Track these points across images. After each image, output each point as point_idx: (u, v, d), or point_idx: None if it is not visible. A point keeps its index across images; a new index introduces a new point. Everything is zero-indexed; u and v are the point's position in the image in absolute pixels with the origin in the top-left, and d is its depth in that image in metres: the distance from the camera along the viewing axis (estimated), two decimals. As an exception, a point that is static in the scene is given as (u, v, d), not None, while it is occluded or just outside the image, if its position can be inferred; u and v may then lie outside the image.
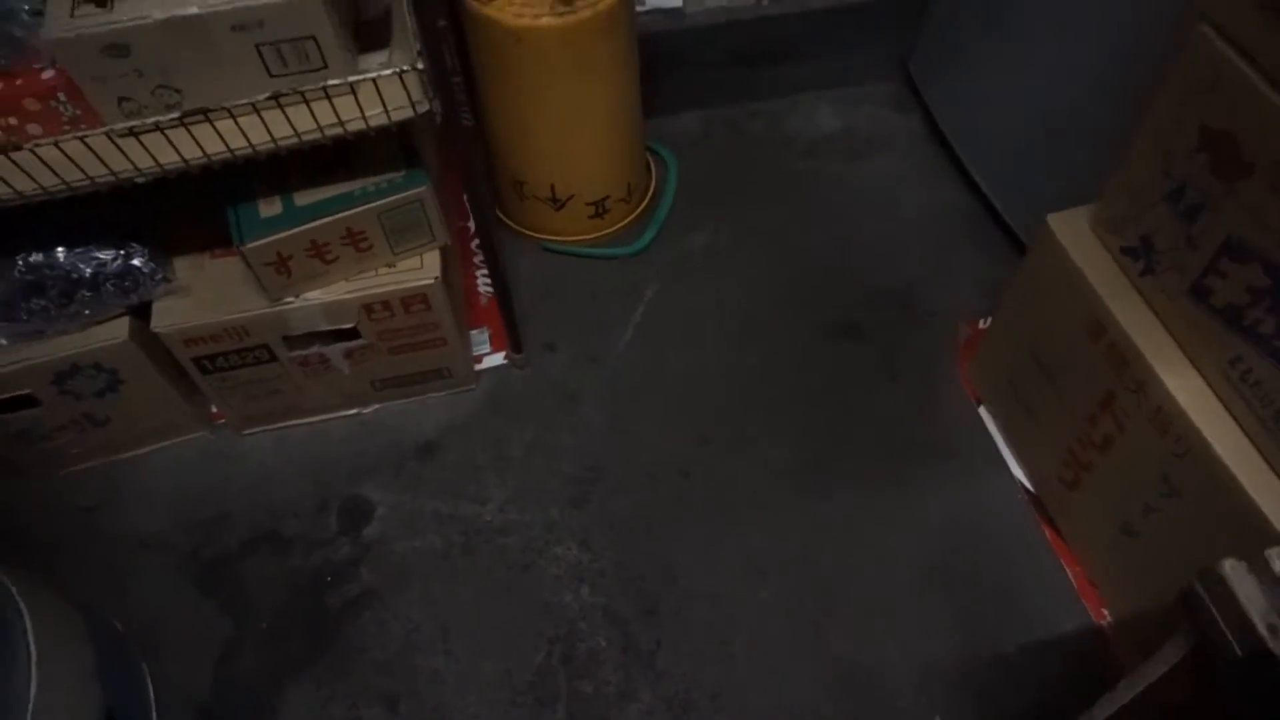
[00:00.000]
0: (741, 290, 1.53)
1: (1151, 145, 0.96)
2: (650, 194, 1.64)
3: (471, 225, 1.51)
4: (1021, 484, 1.30)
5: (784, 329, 1.48)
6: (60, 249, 1.12)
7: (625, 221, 1.60)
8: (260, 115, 0.96)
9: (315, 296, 1.19)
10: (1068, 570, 1.22)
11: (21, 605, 0.98)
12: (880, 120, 1.76)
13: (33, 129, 0.98)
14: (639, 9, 1.52)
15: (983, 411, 1.38)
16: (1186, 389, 0.97)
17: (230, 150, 0.98)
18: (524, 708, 1.14)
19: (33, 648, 0.95)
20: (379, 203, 1.13)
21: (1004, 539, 1.26)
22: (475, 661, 1.18)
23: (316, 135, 0.99)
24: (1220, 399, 0.96)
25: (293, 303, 1.18)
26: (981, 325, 1.46)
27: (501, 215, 1.61)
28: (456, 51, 1.43)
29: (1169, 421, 0.97)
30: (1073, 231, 1.10)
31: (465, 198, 1.44)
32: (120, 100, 0.96)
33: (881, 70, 1.77)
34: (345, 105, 0.98)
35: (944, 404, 1.39)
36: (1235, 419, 0.94)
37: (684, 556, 1.26)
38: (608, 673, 1.17)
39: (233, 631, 1.22)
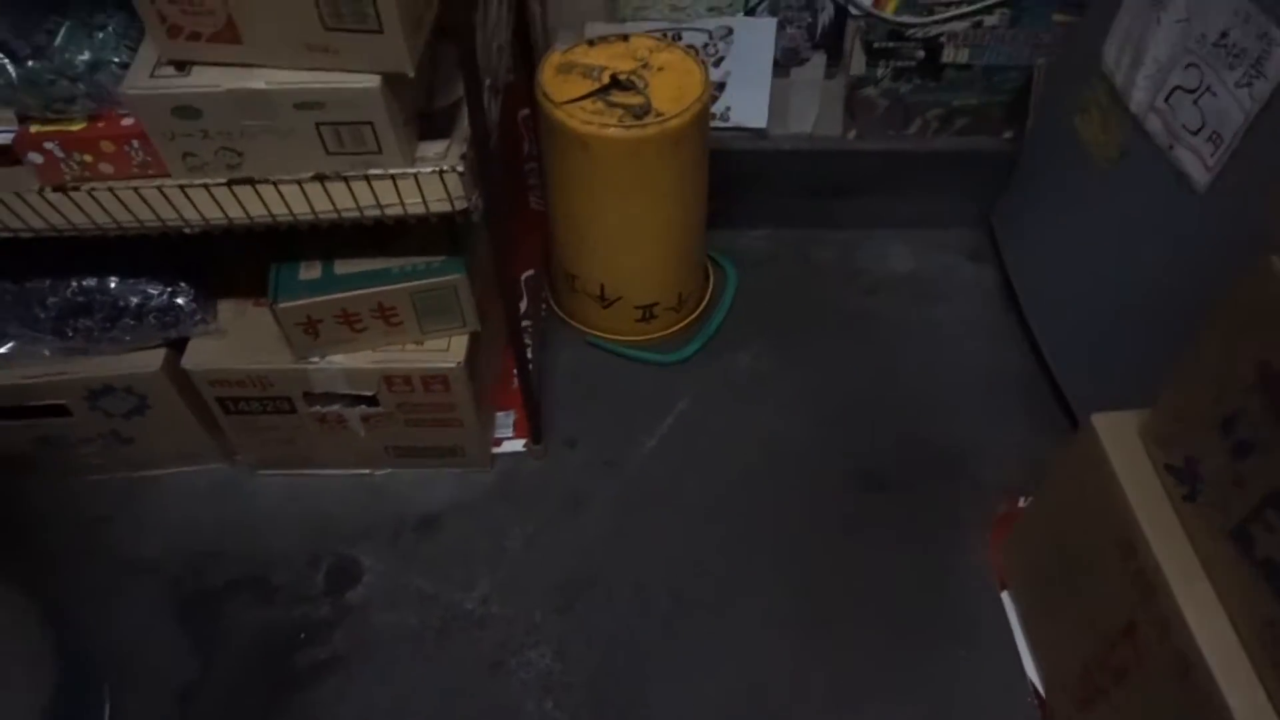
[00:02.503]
0: (776, 420, 1.48)
1: (1205, 368, 0.89)
2: (704, 305, 1.62)
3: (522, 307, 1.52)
4: (1034, 686, 1.20)
5: (811, 469, 1.42)
6: (114, 278, 1.18)
7: (673, 328, 1.58)
8: (303, 188, 0.99)
9: (339, 360, 1.21)
10: (1063, 798, 1.11)
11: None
12: (952, 267, 1.70)
13: (105, 168, 1.03)
14: (721, 124, 1.53)
15: (1005, 598, 1.28)
16: (1214, 639, 0.87)
17: (272, 217, 1.01)
18: (457, 818, 1.10)
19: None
20: (413, 283, 1.14)
21: (1000, 746, 1.16)
22: (422, 756, 1.15)
23: (356, 215, 1.01)
24: (1250, 659, 0.86)
25: (317, 363, 1.21)
26: (1021, 503, 1.37)
27: (552, 302, 1.62)
28: (536, 138, 1.46)
29: (1190, 673, 0.88)
30: (1118, 436, 1.02)
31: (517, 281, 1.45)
32: (185, 155, 1.01)
33: (961, 217, 1.72)
34: (387, 191, 1.00)
35: (966, 581, 1.30)
36: (1264, 686, 0.84)
37: (660, 688, 1.20)
38: (551, 798, 1.12)
39: (198, 673, 1.22)
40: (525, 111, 1.44)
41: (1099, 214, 1.31)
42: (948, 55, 1.50)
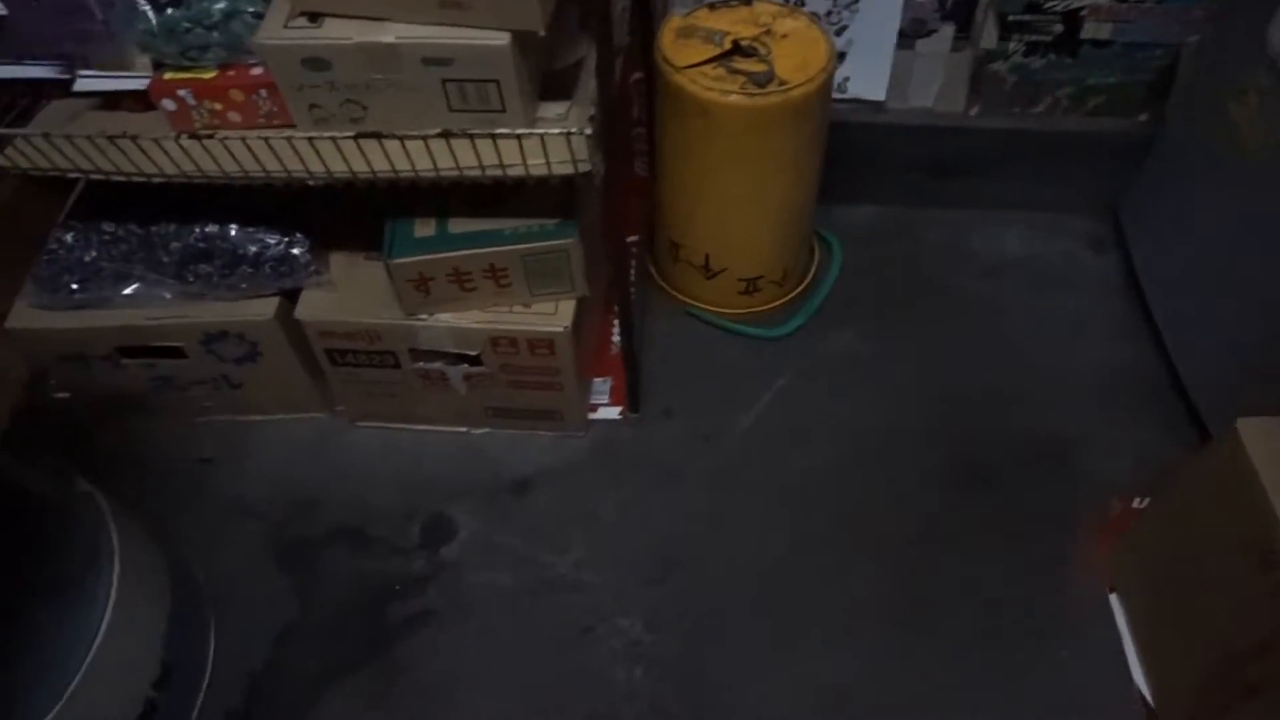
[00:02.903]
0: (878, 403, 1.44)
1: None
2: (808, 281, 1.58)
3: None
4: (1143, 696, 1.15)
5: (911, 456, 1.38)
6: (234, 225, 1.20)
7: (776, 303, 1.55)
8: (428, 145, 0.98)
9: (447, 319, 1.21)
10: (1170, 816, 1.06)
11: (115, 542, 1.04)
12: (1072, 256, 1.62)
13: (233, 116, 1.05)
14: (838, 95, 1.48)
15: (1114, 601, 1.23)
16: (1362, 664, 0.82)
17: (395, 172, 1.01)
18: (546, 776, 1.11)
19: (114, 591, 1.00)
20: (526, 246, 1.14)
21: (1105, 756, 1.11)
22: (511, 711, 1.16)
23: (478, 173, 1.01)
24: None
25: (425, 320, 1.21)
26: (1136, 505, 1.31)
27: (654, 271, 1.60)
28: (647, 104, 1.43)
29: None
30: (1266, 444, 0.96)
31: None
32: (311, 106, 1.01)
33: (1084, 203, 1.64)
34: (510, 151, 0.99)
35: (1072, 581, 1.25)
36: None
37: (747, 669, 1.19)
38: (637, 765, 1.12)
39: (298, 615, 1.25)
40: (637, 75, 1.41)
41: (1245, 206, 1.23)
42: (1088, 30, 1.41)
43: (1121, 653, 1.18)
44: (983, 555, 1.28)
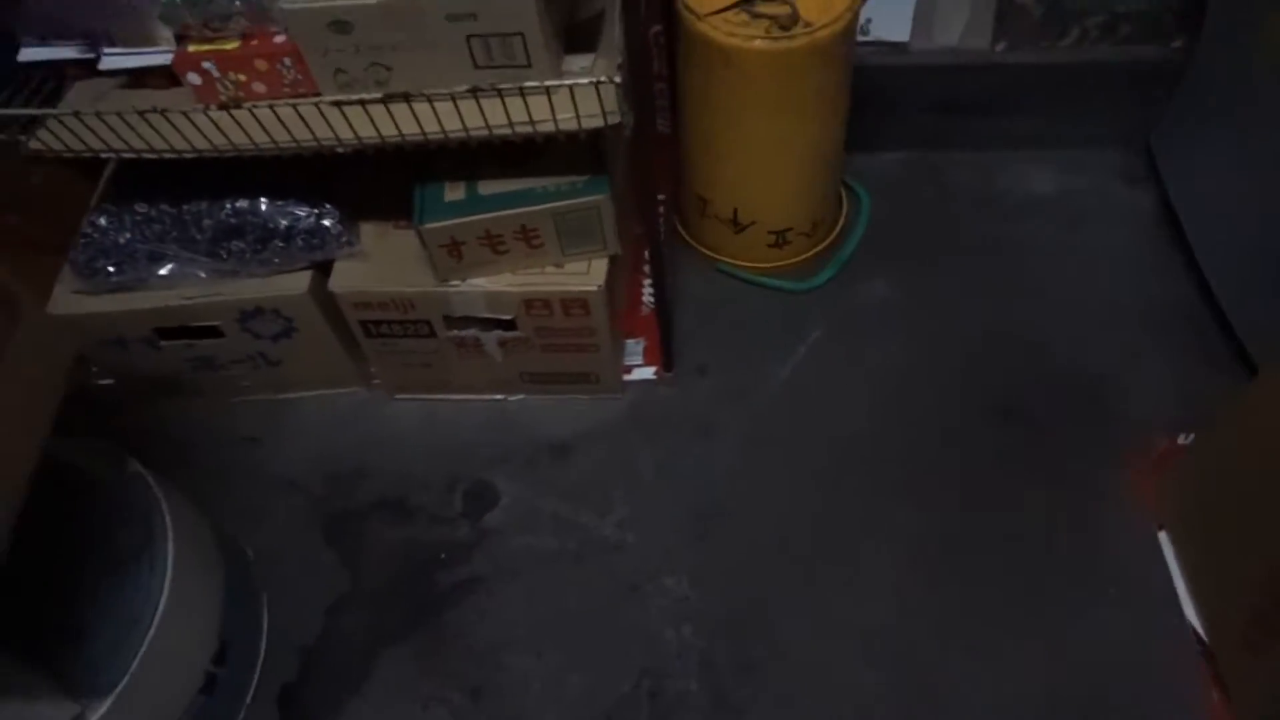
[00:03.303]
0: (912, 350, 1.43)
1: None
2: (836, 232, 1.57)
3: (648, 234, 1.49)
4: (1195, 630, 1.14)
5: (949, 402, 1.37)
6: (264, 200, 1.19)
7: (805, 255, 1.53)
8: (456, 104, 0.97)
9: (480, 284, 1.21)
10: (1231, 747, 1.06)
11: (168, 522, 1.05)
12: (1105, 191, 1.60)
13: (258, 87, 1.04)
14: (861, 38, 1.45)
15: (1163, 538, 1.22)
16: None
17: (424, 134, 1.00)
18: (601, 733, 1.12)
19: (170, 567, 1.02)
20: (557, 204, 1.13)
21: (1158, 691, 1.11)
22: (563, 673, 1.17)
23: (507, 130, 1.00)
24: None
25: (459, 286, 1.21)
26: (1181, 440, 1.29)
27: (681, 229, 1.58)
28: (667, 58, 1.41)
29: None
30: (1316, 366, 0.95)
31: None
32: (336, 72, 1.00)
33: (1114, 137, 1.60)
34: (539, 106, 0.98)
35: (1115, 520, 1.24)
36: None
37: (794, 618, 1.19)
38: (691, 719, 1.13)
39: (348, 586, 1.27)
40: (656, 28, 1.39)
41: (1288, 128, 1.20)
42: (1115, -46, 1.38)
43: (1171, 590, 1.18)
44: (1025, 497, 1.27)
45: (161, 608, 0.98)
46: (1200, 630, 1.14)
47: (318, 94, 1.02)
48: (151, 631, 0.96)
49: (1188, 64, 1.43)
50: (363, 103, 0.97)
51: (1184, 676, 1.11)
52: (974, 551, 1.23)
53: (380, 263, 1.24)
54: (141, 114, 1.00)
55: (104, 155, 1.05)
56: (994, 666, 1.14)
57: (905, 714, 1.11)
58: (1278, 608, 0.98)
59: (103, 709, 0.92)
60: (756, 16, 1.20)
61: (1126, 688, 1.11)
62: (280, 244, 1.21)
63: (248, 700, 1.15)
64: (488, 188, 1.15)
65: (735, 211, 1.43)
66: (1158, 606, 1.17)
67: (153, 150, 1.04)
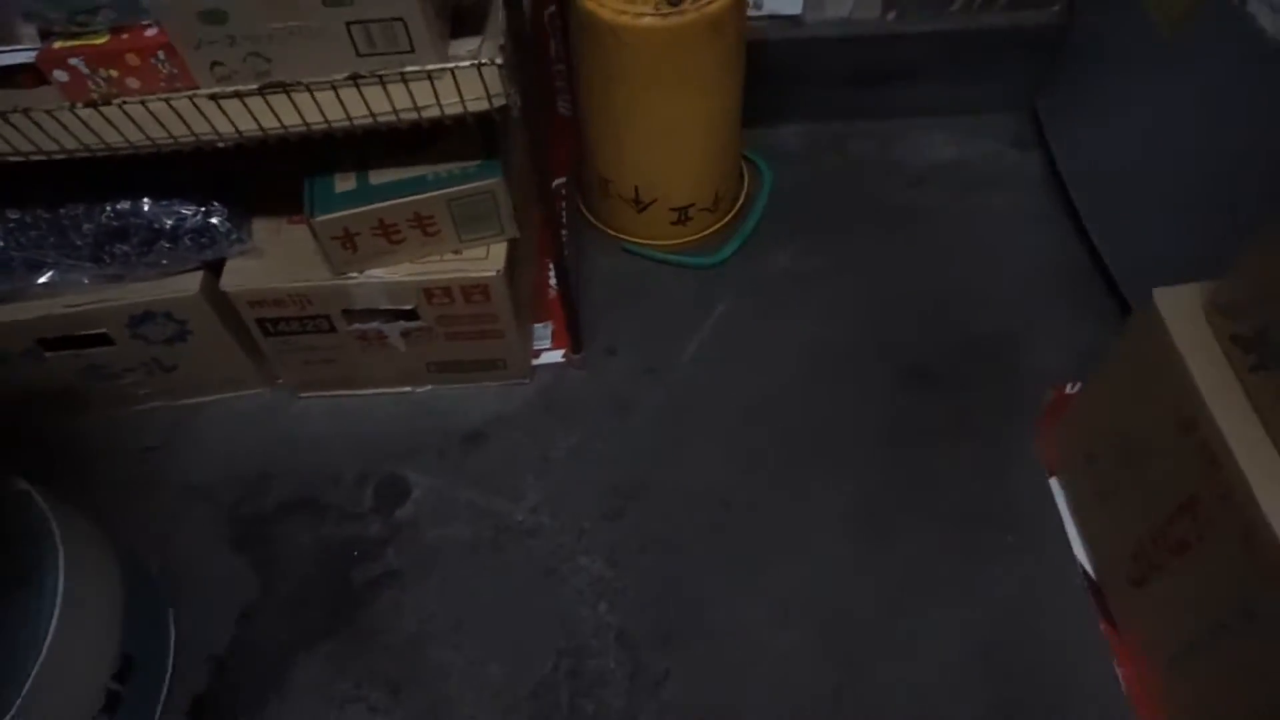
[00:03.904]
0: (818, 319, 1.46)
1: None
2: (739, 206, 1.59)
3: (551, 217, 1.49)
4: (1084, 569, 1.20)
5: (856, 366, 1.41)
6: (146, 200, 1.15)
7: (709, 230, 1.55)
8: (338, 94, 0.95)
9: (378, 275, 1.19)
10: (1120, 675, 1.12)
11: (58, 539, 1.01)
12: (997, 156, 1.65)
13: (131, 83, 1.00)
14: (754, 13, 1.46)
15: (1054, 484, 1.28)
16: (1282, 506, 0.87)
17: (307, 125, 0.98)
18: (522, 715, 1.12)
19: (60, 585, 0.98)
20: (450, 190, 1.12)
21: (1056, 628, 1.16)
22: (482, 661, 1.17)
23: (391, 117, 0.98)
24: (1323, 527, 0.85)
25: (356, 278, 1.19)
26: (1069, 390, 1.35)
27: (585, 210, 1.58)
28: (563, 39, 1.41)
29: (1256, 539, 0.87)
30: (1181, 310, 1.00)
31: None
32: (213, 65, 0.97)
33: (1005, 102, 1.66)
34: (423, 92, 0.96)
35: (1014, 470, 1.30)
36: (1338, 553, 0.84)
37: (711, 587, 1.22)
38: (611, 695, 1.14)
39: (258, 592, 1.24)
40: (551, 9, 1.38)
41: (1159, 86, 1.26)
42: (991, -77, 1.42)
43: (1064, 533, 1.23)
44: (931, 456, 1.32)
45: (53, 629, 0.95)
46: (1089, 569, 1.20)
47: (196, 87, 0.99)
48: (43, 654, 0.93)
49: (1066, 29, 1.49)
50: (239, 95, 0.95)
51: (1076, 613, 1.17)
52: (887, 513, 1.27)
53: (274, 259, 1.21)
54: (4, 116, 0.95)
55: (-35, 160, 1.00)
56: (909, 620, 1.18)
57: (825, 672, 1.14)
58: (1154, 543, 1.04)
59: (-4, 735, 0.89)
60: (643, -6, 1.21)
61: (1027, 628, 1.16)
62: (167, 245, 1.17)
63: (156, 715, 1.12)
64: (379, 177, 1.13)
65: (636, 190, 1.44)
66: (1052, 551, 1.22)
67: (19, 153, 1.00)
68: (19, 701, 0.90)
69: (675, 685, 1.14)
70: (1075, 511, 1.24)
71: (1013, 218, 1.57)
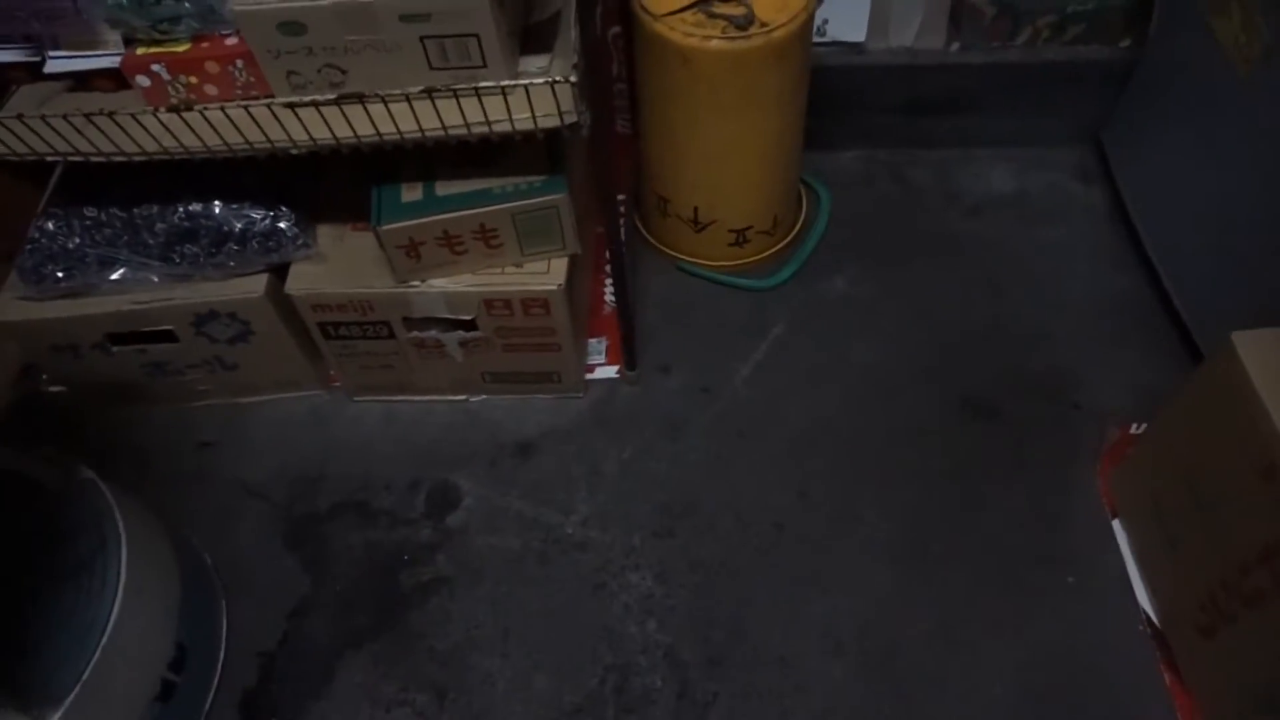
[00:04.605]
0: (874, 347, 1.45)
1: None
2: (797, 229, 1.58)
3: (609, 233, 1.49)
4: (1147, 615, 1.17)
5: (912, 397, 1.39)
6: (218, 202, 1.18)
7: (766, 253, 1.54)
8: (412, 105, 0.97)
9: (440, 284, 1.20)
10: (1183, 726, 1.09)
11: (120, 528, 1.03)
12: (1059, 188, 1.63)
13: (209, 90, 1.03)
14: (818, 38, 1.46)
15: (1116, 526, 1.25)
16: (1365, 563, 0.83)
17: (380, 135, 0.99)
18: (566, 731, 1.12)
19: (123, 573, 1.00)
20: (515, 204, 1.12)
21: (1115, 675, 1.13)
22: (529, 672, 1.17)
23: (463, 132, 0.99)
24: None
25: (418, 286, 1.20)
26: (1134, 430, 1.32)
27: (642, 228, 1.59)
28: (626, 59, 1.42)
29: (1336, 596, 0.84)
30: (1262, 355, 0.97)
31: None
32: (289, 74, 0.99)
33: (1069, 134, 1.64)
34: (495, 106, 0.97)
35: (1074, 509, 1.27)
36: None
37: (760, 613, 1.20)
38: (658, 714, 1.13)
39: (309, 590, 1.25)
40: (615, 30, 1.39)
41: (1233, 124, 1.23)
42: (1065, -44, 1.40)
43: (1126, 577, 1.20)
44: (986, 490, 1.29)
45: (114, 615, 0.97)
46: (1153, 616, 1.17)
47: (272, 96, 1.01)
48: (104, 640, 0.95)
49: (1135, 63, 1.46)
50: (316, 104, 0.97)
51: (1138, 660, 1.14)
52: (938, 545, 1.25)
53: (337, 264, 1.23)
54: (88, 117, 0.98)
55: (50, 159, 1.03)
56: (961, 657, 1.15)
57: (873, 704, 1.12)
58: (1226, 592, 1.01)
59: (54, 719, 0.90)
60: (713, 17, 1.21)
61: (1084, 673, 1.13)
62: (235, 247, 1.20)
63: (206, 707, 1.14)
64: (445, 188, 1.15)
65: (695, 210, 1.44)
66: (1114, 594, 1.19)
67: (101, 153, 1.03)
68: (79, 685, 0.92)
69: (723, 709, 1.13)
70: (1139, 555, 1.21)
71: (1074, 251, 1.54)
